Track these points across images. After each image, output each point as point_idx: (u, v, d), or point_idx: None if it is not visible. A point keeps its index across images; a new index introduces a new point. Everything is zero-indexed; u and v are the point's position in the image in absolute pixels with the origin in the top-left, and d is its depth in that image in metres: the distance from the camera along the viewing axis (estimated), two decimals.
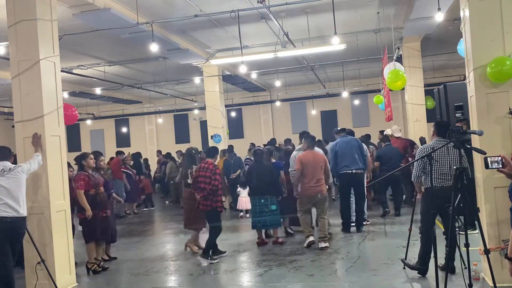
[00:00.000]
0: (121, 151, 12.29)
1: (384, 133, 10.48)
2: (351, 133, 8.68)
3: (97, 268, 6.34)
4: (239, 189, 10.05)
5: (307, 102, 18.75)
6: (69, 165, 7.09)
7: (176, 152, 14.55)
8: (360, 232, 7.73)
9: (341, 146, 7.87)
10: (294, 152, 7.59)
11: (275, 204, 7.19)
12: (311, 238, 6.92)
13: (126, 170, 11.56)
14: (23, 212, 4.97)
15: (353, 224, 7.89)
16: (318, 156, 7.01)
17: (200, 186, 6.60)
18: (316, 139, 8.22)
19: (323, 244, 6.75)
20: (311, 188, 6.88)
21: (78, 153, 7.11)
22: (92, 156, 6.58)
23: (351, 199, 7.98)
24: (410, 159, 9.62)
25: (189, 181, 7.10)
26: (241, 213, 10.35)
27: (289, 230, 7.91)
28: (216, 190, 6.56)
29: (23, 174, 5.05)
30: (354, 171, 7.75)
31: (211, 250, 6.69)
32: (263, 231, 7.55)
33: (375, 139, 11.75)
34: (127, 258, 7.15)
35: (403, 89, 11.59)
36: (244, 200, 9.85)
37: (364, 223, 8.07)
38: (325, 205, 7.04)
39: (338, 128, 8.57)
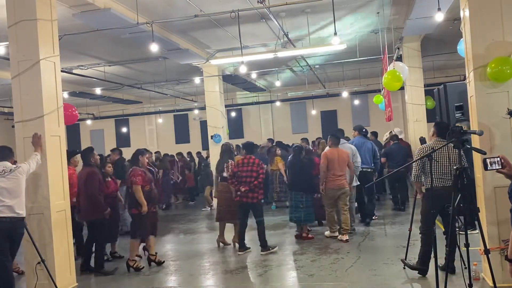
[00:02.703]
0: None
1: (385, 135, 10.91)
2: (366, 132, 9.20)
3: (139, 265, 6.43)
4: None
5: (307, 102, 18.75)
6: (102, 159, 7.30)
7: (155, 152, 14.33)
8: (367, 225, 8.27)
9: (357, 145, 8.41)
10: (327, 148, 7.98)
11: (310, 200, 7.58)
12: (336, 233, 7.39)
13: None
14: (22, 212, 4.98)
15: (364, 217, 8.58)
16: (342, 152, 7.54)
17: (246, 180, 6.82)
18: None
19: (345, 238, 7.19)
20: (336, 181, 7.34)
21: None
22: (148, 155, 6.68)
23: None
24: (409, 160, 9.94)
25: (225, 174, 7.23)
26: None
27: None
28: (262, 183, 6.91)
29: (23, 175, 5.05)
30: (363, 169, 8.35)
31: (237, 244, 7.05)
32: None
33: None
34: (126, 258, 7.14)
35: (403, 89, 11.61)
36: None
37: (373, 217, 8.64)
38: (346, 199, 7.45)
39: (364, 127, 9.16)
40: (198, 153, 15.65)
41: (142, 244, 6.73)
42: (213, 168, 11.93)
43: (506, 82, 4.58)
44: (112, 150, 10.13)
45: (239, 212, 7.01)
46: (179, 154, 15.17)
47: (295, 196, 7.55)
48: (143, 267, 6.45)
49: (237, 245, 7.32)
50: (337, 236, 7.35)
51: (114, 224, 7.00)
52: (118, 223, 7.40)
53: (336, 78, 16.90)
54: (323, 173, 7.39)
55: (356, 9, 8.76)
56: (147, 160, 6.71)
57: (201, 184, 13.23)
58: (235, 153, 9.45)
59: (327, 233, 7.54)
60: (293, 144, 11.43)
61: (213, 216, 11.08)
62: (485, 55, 4.63)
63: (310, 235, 7.59)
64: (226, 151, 7.56)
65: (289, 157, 8.36)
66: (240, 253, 6.90)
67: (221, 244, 7.47)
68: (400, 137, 10.54)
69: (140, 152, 6.61)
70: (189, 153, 16.02)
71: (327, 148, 7.89)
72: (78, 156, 7.20)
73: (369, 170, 8.59)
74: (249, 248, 7.04)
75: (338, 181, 7.38)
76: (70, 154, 7.36)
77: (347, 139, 8.78)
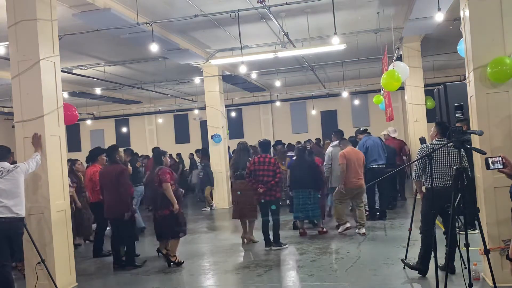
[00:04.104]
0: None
1: (382, 133, 11.13)
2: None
3: (180, 260, 6.48)
4: None
5: (307, 102, 18.74)
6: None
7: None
8: (384, 220, 8.59)
9: (370, 144, 8.80)
10: (330, 148, 8.48)
11: (317, 197, 7.79)
12: (348, 225, 7.72)
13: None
14: (21, 212, 4.97)
15: (378, 213, 8.89)
16: (358, 153, 7.92)
17: (263, 179, 6.96)
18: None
19: (362, 230, 7.55)
20: (354, 181, 7.68)
21: (78, 153, 7.29)
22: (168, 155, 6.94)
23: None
24: (404, 158, 10.64)
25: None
26: None
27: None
28: (280, 182, 7.17)
29: (21, 174, 5.04)
30: (380, 166, 8.75)
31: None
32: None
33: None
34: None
35: (403, 89, 11.60)
36: None
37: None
38: (362, 197, 7.92)
39: (362, 129, 9.57)
40: (191, 155, 15.59)
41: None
42: (213, 168, 12.00)
43: (506, 82, 4.57)
44: (125, 150, 10.10)
45: (260, 210, 7.17)
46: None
47: (303, 193, 7.67)
48: (184, 261, 6.51)
49: (245, 240, 7.49)
50: (349, 227, 7.69)
51: (133, 223, 6.92)
52: (135, 222, 7.39)
53: (336, 78, 16.89)
54: (343, 172, 7.70)
55: (356, 9, 8.76)
56: (168, 160, 6.81)
57: (201, 185, 13.22)
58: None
59: (340, 229, 7.80)
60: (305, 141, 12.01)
61: (213, 216, 11.14)
62: (485, 55, 4.63)
63: (325, 229, 7.90)
64: (243, 149, 7.66)
65: (293, 157, 8.54)
66: (266, 248, 7.01)
67: (245, 240, 7.56)
68: (393, 135, 10.84)
69: (162, 153, 6.67)
70: (179, 155, 15.94)
71: (329, 148, 8.21)
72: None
73: (384, 166, 8.81)
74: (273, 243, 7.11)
75: (356, 181, 7.72)
76: (99, 152, 7.48)
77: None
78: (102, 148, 7.89)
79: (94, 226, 8.04)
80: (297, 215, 7.86)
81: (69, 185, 7.57)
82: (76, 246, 8.18)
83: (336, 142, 8.45)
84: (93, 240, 7.68)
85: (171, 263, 6.41)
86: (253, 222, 7.57)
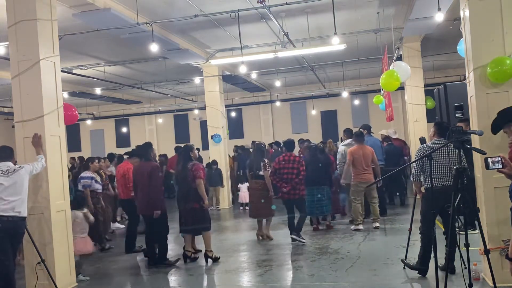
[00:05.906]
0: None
1: (378, 133, 11.29)
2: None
3: (216, 255, 6.55)
4: (239, 185, 11.56)
5: (307, 102, 18.74)
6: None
7: None
8: (384, 216, 8.89)
9: (370, 144, 8.83)
10: (342, 147, 8.76)
11: (328, 193, 8.17)
12: (360, 226, 7.92)
13: None
14: (24, 212, 4.98)
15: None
16: (366, 149, 8.19)
17: (288, 177, 7.20)
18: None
19: (376, 224, 7.97)
20: (362, 175, 7.99)
21: (78, 153, 7.30)
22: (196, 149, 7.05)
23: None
24: (405, 158, 10.85)
25: (261, 172, 7.53)
26: (241, 207, 11.25)
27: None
28: (303, 180, 7.29)
29: (26, 175, 5.05)
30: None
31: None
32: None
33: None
34: (127, 258, 7.16)
35: (403, 89, 11.59)
36: (243, 195, 11.18)
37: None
38: (373, 192, 8.12)
39: (370, 126, 9.76)
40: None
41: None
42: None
43: (506, 82, 4.57)
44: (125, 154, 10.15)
45: (286, 208, 7.38)
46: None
47: (314, 190, 7.94)
48: (220, 257, 6.59)
49: (260, 237, 7.68)
50: (361, 229, 7.85)
51: (165, 220, 6.89)
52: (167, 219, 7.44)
53: (336, 78, 16.89)
54: (347, 168, 8.12)
55: (356, 9, 8.75)
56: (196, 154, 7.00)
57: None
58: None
59: (352, 227, 8.02)
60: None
61: (214, 216, 11.12)
62: (485, 55, 4.63)
63: (320, 227, 8.17)
64: (258, 150, 7.87)
65: (306, 155, 8.78)
66: (293, 236, 7.20)
67: (260, 237, 7.75)
68: (394, 136, 11.00)
69: (190, 148, 6.75)
70: (164, 155, 15.79)
71: (342, 147, 8.61)
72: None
73: (382, 166, 9.01)
74: (305, 240, 7.27)
75: (364, 176, 7.99)
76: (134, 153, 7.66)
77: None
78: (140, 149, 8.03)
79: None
80: (312, 211, 8.05)
81: (98, 183, 7.76)
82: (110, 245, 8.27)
83: (348, 141, 8.73)
84: (125, 236, 7.72)
85: (208, 259, 6.46)
86: (270, 220, 7.75)
